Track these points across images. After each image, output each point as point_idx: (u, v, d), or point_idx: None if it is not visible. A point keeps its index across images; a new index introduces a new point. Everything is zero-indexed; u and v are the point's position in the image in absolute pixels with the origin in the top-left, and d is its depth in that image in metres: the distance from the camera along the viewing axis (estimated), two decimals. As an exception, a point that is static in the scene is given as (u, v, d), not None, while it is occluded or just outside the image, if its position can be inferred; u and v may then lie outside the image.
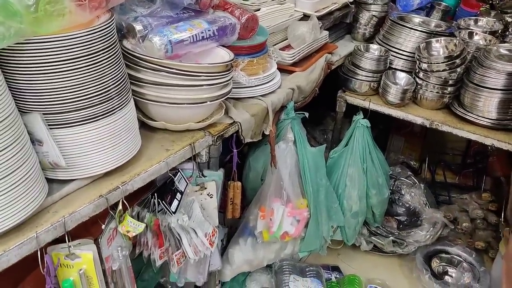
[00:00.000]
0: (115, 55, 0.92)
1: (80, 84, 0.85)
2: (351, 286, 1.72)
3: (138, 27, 1.08)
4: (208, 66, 1.11)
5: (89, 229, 0.98)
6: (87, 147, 0.91)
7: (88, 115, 0.89)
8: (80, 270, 0.88)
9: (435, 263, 1.88)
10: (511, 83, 1.49)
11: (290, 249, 1.71)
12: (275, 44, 1.60)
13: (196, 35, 1.14)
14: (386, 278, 1.80)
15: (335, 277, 1.81)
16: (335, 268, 1.88)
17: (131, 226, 0.96)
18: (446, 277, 1.83)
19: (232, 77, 1.20)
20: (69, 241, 0.87)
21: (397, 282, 1.82)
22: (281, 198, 1.54)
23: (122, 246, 0.99)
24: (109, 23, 0.88)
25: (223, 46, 1.25)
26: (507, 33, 1.74)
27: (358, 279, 1.76)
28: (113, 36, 0.91)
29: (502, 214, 1.87)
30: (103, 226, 0.95)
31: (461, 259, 1.86)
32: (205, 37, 1.17)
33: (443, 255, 1.89)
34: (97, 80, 0.88)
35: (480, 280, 1.73)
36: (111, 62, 0.90)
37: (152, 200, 1.05)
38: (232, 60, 1.16)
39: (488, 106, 1.54)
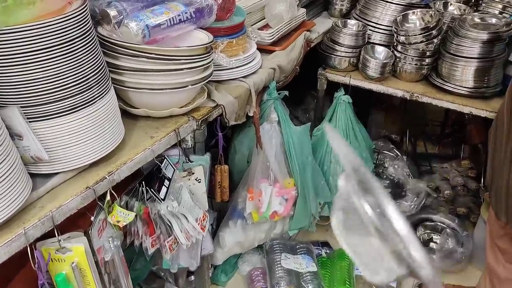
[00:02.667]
0: (91, 42, 0.89)
1: (57, 74, 0.82)
2: (341, 260, 1.76)
3: (112, 12, 1.04)
4: (188, 49, 1.09)
5: (76, 222, 0.97)
6: (69, 138, 0.88)
7: (68, 106, 0.86)
8: (73, 263, 0.87)
9: (420, 231, 1.94)
10: (485, 51, 1.52)
11: (280, 228, 1.73)
12: (253, 24, 1.58)
13: (173, 18, 1.12)
14: (374, 250, 1.85)
15: (325, 252, 1.85)
16: (325, 244, 1.91)
17: (121, 216, 0.95)
18: (431, 244, 1.89)
19: (212, 60, 1.18)
20: (58, 235, 0.85)
21: (385, 252, 1.87)
22: (268, 179, 1.55)
23: (113, 236, 0.98)
24: (82, 9, 0.85)
25: (201, 28, 1.23)
26: (480, 1, 1.76)
27: (347, 252, 1.80)
28: (87, 23, 0.88)
29: (482, 180, 1.94)
30: (92, 218, 0.94)
31: (444, 225, 1.92)
32: (182, 19, 1.15)
33: (428, 223, 1.95)
34: (74, 69, 0.85)
35: (463, 244, 1.80)
36: (88, 50, 0.88)
37: (140, 188, 1.03)
38: (212, 42, 1.14)
39: (465, 75, 1.57)
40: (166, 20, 1.10)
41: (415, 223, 1.95)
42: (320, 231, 1.91)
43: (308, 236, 1.91)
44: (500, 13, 1.64)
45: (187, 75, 1.09)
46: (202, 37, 1.18)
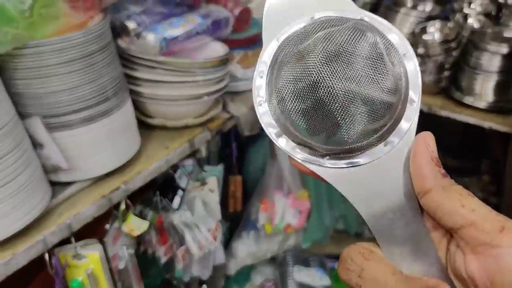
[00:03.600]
0: (110, 55, 0.92)
1: (77, 86, 0.85)
2: (355, 273, 1.74)
3: (131, 25, 1.07)
4: (203, 61, 1.11)
5: (92, 229, 0.99)
6: (87, 148, 0.91)
7: (87, 116, 0.89)
8: (88, 270, 0.89)
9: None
10: (506, 65, 1.49)
11: (293, 240, 1.72)
12: (269, 36, 1.59)
13: (190, 30, 1.14)
14: (389, 264, 1.82)
15: (339, 265, 1.83)
16: (339, 257, 1.89)
17: (135, 224, 0.96)
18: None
19: (228, 71, 1.20)
20: (75, 242, 0.88)
21: (400, 267, 1.83)
22: (282, 190, 1.55)
23: (127, 244, 1.00)
24: (103, 23, 0.88)
25: (218, 39, 1.25)
26: (500, 14, 1.73)
27: (361, 266, 1.78)
28: (107, 36, 0.91)
29: (504, 195, 1.89)
30: (107, 226, 0.96)
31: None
32: (199, 32, 1.17)
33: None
34: (93, 81, 0.88)
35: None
36: (107, 62, 0.90)
37: (155, 198, 1.05)
38: (227, 54, 1.16)
39: (484, 89, 1.54)
40: (183, 33, 1.13)
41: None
42: (335, 244, 1.89)
43: (323, 249, 1.89)
44: (522, 26, 1.61)
45: (203, 86, 1.11)
46: (218, 49, 1.20)
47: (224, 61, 1.16)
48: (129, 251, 1.00)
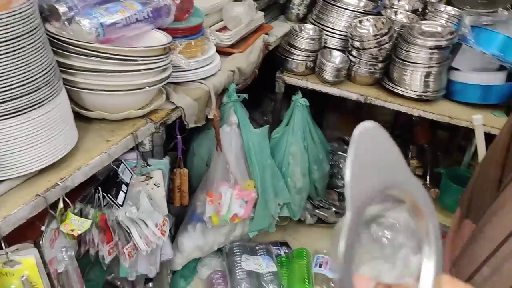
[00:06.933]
0: (39, 40, 0.83)
1: (2, 72, 0.77)
2: (300, 259, 1.79)
3: (62, 8, 0.99)
4: (145, 49, 1.05)
5: (25, 232, 0.90)
6: (17, 143, 0.82)
7: (15, 107, 0.80)
8: (22, 276, 0.81)
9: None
10: (431, 58, 1.61)
11: (240, 230, 1.73)
12: (211, 26, 1.56)
13: (129, 17, 1.08)
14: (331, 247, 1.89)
15: (284, 252, 1.87)
16: (284, 244, 1.93)
17: (76, 224, 0.90)
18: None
19: (170, 61, 1.15)
20: (5, 247, 0.79)
21: (341, 250, 1.92)
22: (228, 181, 1.54)
23: (66, 246, 0.93)
24: (30, 3, 0.79)
25: (159, 28, 1.19)
26: (426, 10, 1.86)
27: (306, 251, 1.83)
28: (35, 19, 0.82)
29: (427, 177, 2.06)
30: (42, 228, 0.88)
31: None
32: (139, 19, 1.11)
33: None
34: (21, 68, 0.79)
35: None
36: (36, 48, 0.82)
37: (96, 194, 0.99)
38: (170, 42, 1.12)
39: (413, 79, 1.65)
40: (122, 19, 1.06)
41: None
42: (279, 231, 1.93)
43: (267, 237, 1.92)
44: (445, 22, 1.74)
45: (145, 76, 1.06)
46: (160, 38, 1.15)
47: (166, 50, 1.12)
48: (69, 253, 0.93)
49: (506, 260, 0.68)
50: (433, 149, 2.19)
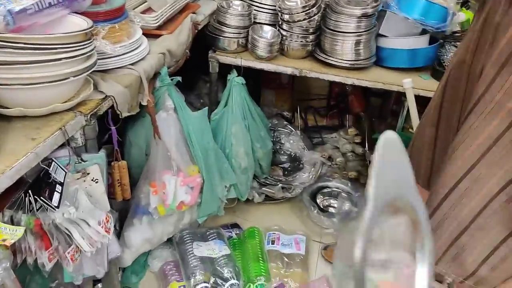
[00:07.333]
0: None
1: None
2: (252, 238, 1.81)
3: (-41, -5, 0.87)
4: (64, 36, 0.96)
5: None
6: None
7: None
8: (-50, 299, 0.73)
9: (319, 198, 2.08)
10: (359, 26, 1.66)
11: (188, 217, 1.70)
12: (134, 8, 1.47)
13: (41, 1, 0.98)
14: (281, 223, 1.94)
15: (236, 234, 1.88)
16: (234, 225, 1.94)
17: (7, 233, 0.82)
18: (330, 209, 2.05)
19: (94, 47, 1.07)
20: None
21: (291, 223, 1.97)
22: (171, 169, 1.49)
23: (0, 258, 0.85)
24: None
25: (76, 13, 1.10)
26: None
27: (257, 230, 1.85)
28: None
29: (366, 144, 2.16)
30: (-32, 242, 0.79)
31: (339, 190, 2.10)
32: (52, 3, 1.01)
33: (325, 190, 2.11)
34: None
35: (357, 204, 1.99)
36: None
37: (27, 198, 0.90)
38: (91, 27, 1.03)
39: (344, 49, 1.70)
40: (33, 5, 0.96)
41: (314, 192, 2.08)
42: (228, 213, 1.93)
43: (217, 221, 1.91)
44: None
45: (67, 65, 0.97)
46: (80, 23, 1.06)
47: (88, 36, 1.03)
48: (4, 265, 0.85)
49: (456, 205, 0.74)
50: (369, 116, 2.30)
